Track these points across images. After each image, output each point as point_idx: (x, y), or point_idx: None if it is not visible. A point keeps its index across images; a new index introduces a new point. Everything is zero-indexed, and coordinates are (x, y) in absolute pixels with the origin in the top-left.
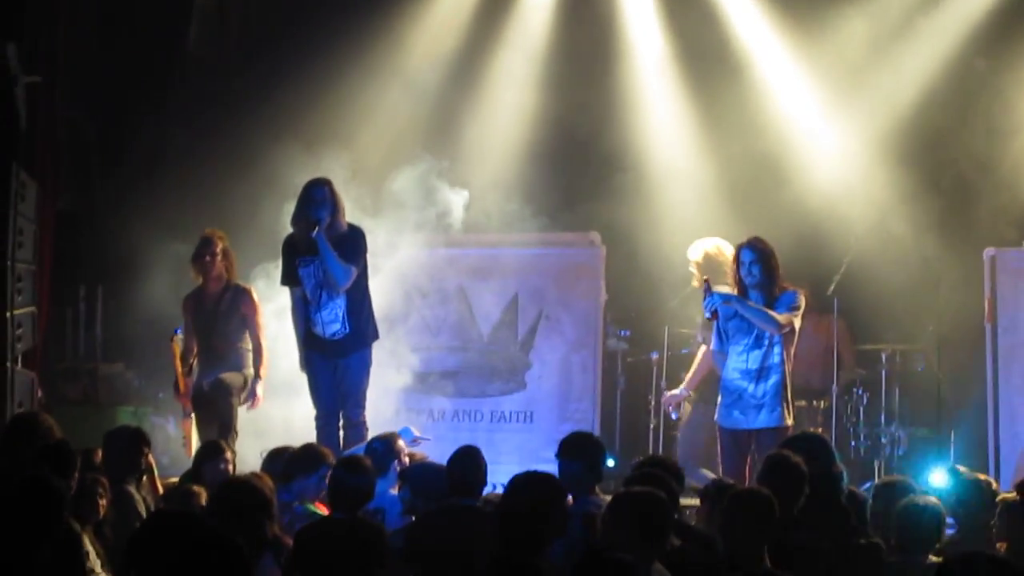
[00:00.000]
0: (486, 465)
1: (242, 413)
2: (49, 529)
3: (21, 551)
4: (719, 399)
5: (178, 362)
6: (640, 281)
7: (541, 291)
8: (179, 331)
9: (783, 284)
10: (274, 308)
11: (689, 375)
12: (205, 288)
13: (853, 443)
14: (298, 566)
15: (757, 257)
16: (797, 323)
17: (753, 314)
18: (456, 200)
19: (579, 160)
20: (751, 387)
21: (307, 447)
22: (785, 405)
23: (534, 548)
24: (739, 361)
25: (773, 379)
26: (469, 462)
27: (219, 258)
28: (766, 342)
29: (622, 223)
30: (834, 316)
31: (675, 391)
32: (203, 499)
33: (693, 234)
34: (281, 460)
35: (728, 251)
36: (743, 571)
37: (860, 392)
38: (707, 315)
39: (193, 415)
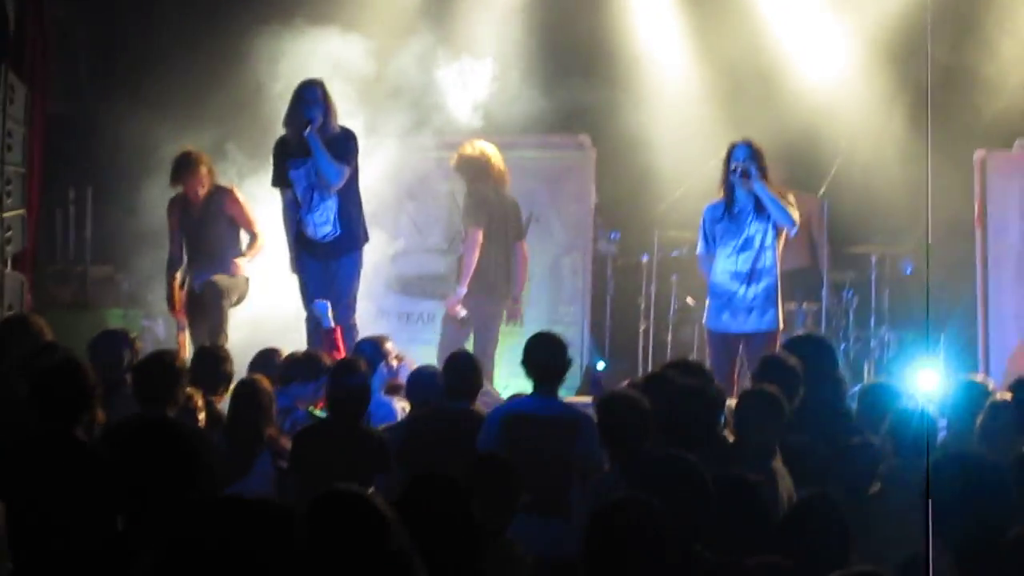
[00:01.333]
0: (480, 369)
1: (231, 313)
2: None
3: None
4: (707, 302)
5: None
6: (631, 183)
7: (531, 194)
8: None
9: (775, 187)
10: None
11: (461, 274)
12: (189, 194)
13: (843, 345)
14: (298, 469)
15: (752, 154)
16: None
17: (774, 204)
18: (481, 70)
19: (572, 58)
20: (742, 290)
21: (309, 353)
22: (776, 308)
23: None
24: (728, 263)
25: (765, 282)
26: (464, 367)
27: (199, 175)
28: (756, 244)
29: (614, 124)
30: (824, 219)
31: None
32: (199, 401)
33: (686, 136)
34: (267, 361)
35: (492, 153)
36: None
37: (849, 295)
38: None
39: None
